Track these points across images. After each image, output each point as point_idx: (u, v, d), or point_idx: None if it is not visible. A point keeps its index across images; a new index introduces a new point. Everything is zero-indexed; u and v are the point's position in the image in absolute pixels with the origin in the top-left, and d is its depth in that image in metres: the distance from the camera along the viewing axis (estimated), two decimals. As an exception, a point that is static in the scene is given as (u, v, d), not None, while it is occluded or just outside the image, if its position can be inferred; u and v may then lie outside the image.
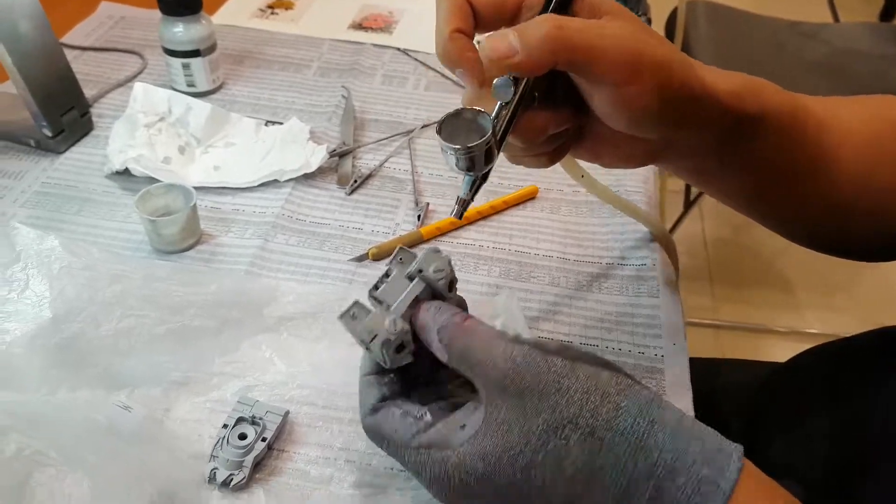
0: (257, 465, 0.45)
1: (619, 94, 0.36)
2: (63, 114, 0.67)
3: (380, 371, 0.40)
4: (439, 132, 0.38)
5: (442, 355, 0.37)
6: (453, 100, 0.78)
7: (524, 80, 0.37)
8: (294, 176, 0.66)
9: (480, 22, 0.39)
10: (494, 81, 0.37)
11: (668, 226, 1.60)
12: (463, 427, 0.35)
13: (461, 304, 0.42)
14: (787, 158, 0.44)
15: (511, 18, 0.40)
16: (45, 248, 0.47)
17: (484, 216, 0.64)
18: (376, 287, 0.41)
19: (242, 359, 0.50)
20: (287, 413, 0.47)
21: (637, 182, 0.69)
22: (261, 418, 0.46)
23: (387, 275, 0.41)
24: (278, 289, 0.55)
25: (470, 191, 0.41)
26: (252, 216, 0.63)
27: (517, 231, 0.63)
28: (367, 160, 0.70)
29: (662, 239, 0.62)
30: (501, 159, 0.41)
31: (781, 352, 0.71)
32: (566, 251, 0.62)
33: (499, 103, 0.38)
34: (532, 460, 0.33)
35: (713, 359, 0.74)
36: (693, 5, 1.53)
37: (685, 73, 0.38)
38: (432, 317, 0.38)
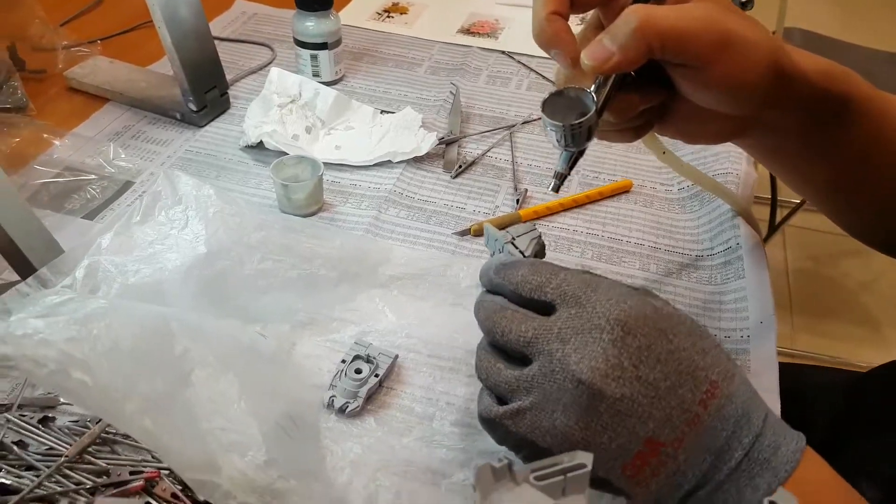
0: (369, 397, 0.50)
1: (710, 74, 0.39)
2: (207, 91, 0.76)
3: None
4: (543, 109, 0.41)
5: None
6: (553, 100, 0.84)
7: None
8: (405, 158, 0.72)
9: (576, 4, 0.41)
10: None
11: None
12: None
13: None
14: (873, 148, 0.45)
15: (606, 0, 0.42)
16: (203, 195, 0.54)
17: (579, 204, 0.68)
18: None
19: (358, 308, 0.56)
20: (396, 356, 0.52)
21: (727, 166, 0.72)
22: (374, 358, 0.52)
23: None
24: (392, 251, 0.61)
25: (567, 165, 0.43)
26: (367, 191, 0.69)
27: (610, 220, 0.67)
28: (471, 149, 0.76)
29: (742, 212, 0.65)
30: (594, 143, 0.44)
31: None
32: (658, 241, 0.65)
33: (597, 82, 0.41)
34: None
35: (795, 363, 0.75)
36: (790, 32, 1.53)
37: (774, 53, 0.39)
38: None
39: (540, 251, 0.45)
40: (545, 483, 0.32)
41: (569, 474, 0.32)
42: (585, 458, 0.33)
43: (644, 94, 0.43)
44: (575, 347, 0.36)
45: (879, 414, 0.61)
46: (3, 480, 0.43)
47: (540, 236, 0.45)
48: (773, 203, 1.63)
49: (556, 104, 0.41)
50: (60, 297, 0.42)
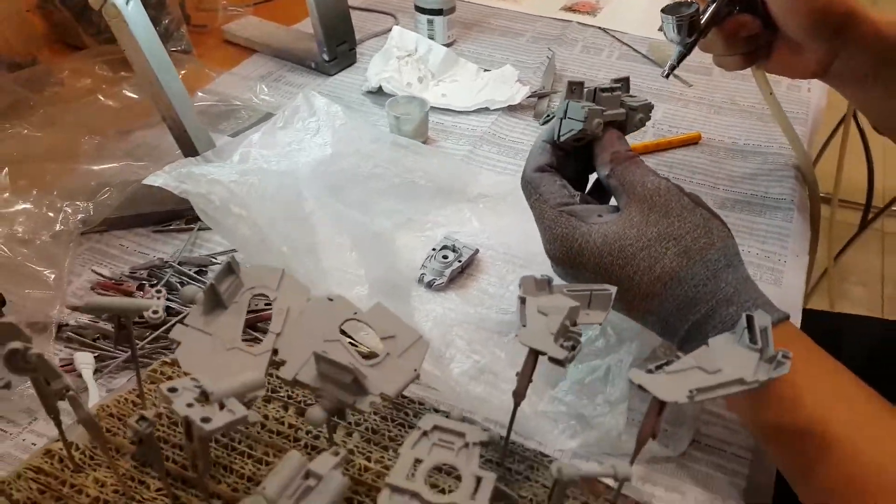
0: (452, 278, 0.61)
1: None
2: (338, 45, 0.90)
3: (553, 144, 0.51)
4: (663, 10, 0.57)
5: (605, 169, 0.49)
6: (640, 68, 0.92)
7: None
8: (501, 106, 0.83)
9: None
10: None
11: (839, 248, 1.60)
12: (600, 216, 0.47)
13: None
14: None
15: None
16: (332, 111, 0.67)
17: (649, 151, 0.77)
18: (603, 89, 0.52)
19: (449, 215, 0.67)
20: (477, 251, 0.63)
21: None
22: (459, 248, 0.63)
23: (611, 90, 0.52)
24: (481, 174, 0.72)
25: (676, 59, 0.60)
26: (466, 131, 0.81)
27: (677, 165, 0.75)
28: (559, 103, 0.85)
29: (808, 174, 0.71)
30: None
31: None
32: (717, 182, 0.73)
33: (708, 1, 0.57)
34: (635, 253, 0.45)
35: (833, 312, 0.79)
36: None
37: None
38: (615, 141, 0.50)
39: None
40: (574, 294, 0.41)
41: (594, 292, 0.42)
42: (612, 288, 0.42)
43: (745, 23, 0.57)
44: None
45: None
46: (171, 304, 0.58)
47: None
48: (868, 204, 1.62)
49: (673, 9, 0.58)
50: (222, 166, 0.55)
